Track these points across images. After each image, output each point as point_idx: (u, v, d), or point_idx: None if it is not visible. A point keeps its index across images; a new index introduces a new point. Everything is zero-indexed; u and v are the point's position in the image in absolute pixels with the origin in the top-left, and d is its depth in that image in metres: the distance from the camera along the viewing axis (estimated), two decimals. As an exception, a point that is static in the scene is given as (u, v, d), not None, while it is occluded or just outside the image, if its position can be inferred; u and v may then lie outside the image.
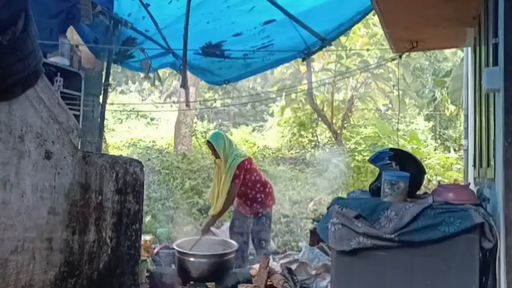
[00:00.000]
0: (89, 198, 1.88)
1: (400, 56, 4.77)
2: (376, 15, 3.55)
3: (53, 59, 4.15)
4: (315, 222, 4.95)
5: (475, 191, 2.68)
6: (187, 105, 4.97)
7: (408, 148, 9.56)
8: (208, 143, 4.42)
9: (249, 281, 3.55)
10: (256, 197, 4.37)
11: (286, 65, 8.78)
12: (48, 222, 1.71)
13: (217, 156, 4.36)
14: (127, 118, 15.16)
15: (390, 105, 11.94)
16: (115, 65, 5.77)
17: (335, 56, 11.17)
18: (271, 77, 12.27)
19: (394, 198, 2.32)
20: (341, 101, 12.23)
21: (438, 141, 13.17)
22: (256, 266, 3.69)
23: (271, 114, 14.38)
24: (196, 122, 13.80)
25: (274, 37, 4.77)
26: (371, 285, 2.27)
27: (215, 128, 14.65)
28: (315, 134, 12.45)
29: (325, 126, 12.07)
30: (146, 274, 3.80)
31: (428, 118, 13.53)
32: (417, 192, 2.63)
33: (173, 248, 3.88)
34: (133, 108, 14.66)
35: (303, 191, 8.91)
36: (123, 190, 2.04)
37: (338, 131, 11.69)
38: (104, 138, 7.96)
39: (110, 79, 4.97)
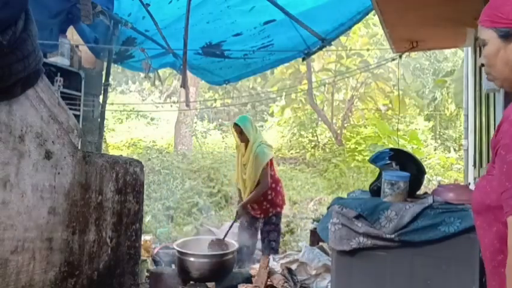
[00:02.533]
0: (89, 198, 1.88)
1: (400, 56, 4.78)
2: (376, 15, 3.56)
3: (53, 59, 4.15)
4: (315, 222, 4.95)
5: (475, 191, 2.67)
6: (187, 105, 4.96)
7: (408, 148, 9.56)
8: (236, 125, 4.33)
9: (249, 281, 3.55)
10: (266, 194, 4.28)
11: (286, 65, 8.79)
12: (48, 222, 1.71)
13: (243, 140, 4.31)
14: (127, 118, 15.16)
15: (390, 105, 11.95)
16: (115, 65, 5.77)
17: (335, 56, 11.18)
18: (271, 77, 12.27)
19: (394, 198, 2.32)
20: (341, 101, 12.24)
21: (439, 141, 13.18)
22: (256, 266, 3.69)
23: (271, 114, 14.38)
24: (196, 122, 13.81)
25: (274, 37, 4.77)
26: (371, 285, 2.27)
27: (215, 128, 14.66)
28: (315, 134, 12.46)
29: (325, 126, 12.09)
30: (146, 274, 3.80)
31: (428, 118, 13.54)
32: (417, 192, 2.63)
33: (173, 248, 3.88)
34: (133, 108, 14.66)
35: (303, 191, 8.92)
36: (123, 190, 2.03)
37: (338, 131, 11.70)
38: (104, 138, 7.96)
39: (110, 79, 4.97)
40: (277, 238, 4.42)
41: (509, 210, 1.06)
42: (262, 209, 4.34)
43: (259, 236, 4.51)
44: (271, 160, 4.34)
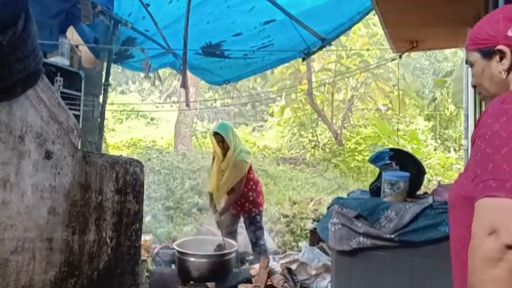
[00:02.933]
0: (89, 198, 1.88)
1: (400, 56, 4.78)
2: (376, 15, 3.55)
3: (53, 59, 4.15)
4: (315, 222, 4.96)
5: (475, 191, 2.67)
6: (187, 105, 4.96)
7: (408, 148, 9.56)
8: (217, 134, 4.28)
9: (249, 281, 3.55)
10: (248, 195, 4.36)
11: (286, 65, 8.79)
12: (48, 222, 1.71)
13: (224, 147, 4.29)
14: (127, 118, 15.15)
15: (390, 105, 11.94)
16: (115, 65, 5.77)
17: (335, 56, 11.17)
18: (271, 77, 12.27)
19: (394, 198, 2.32)
20: (341, 101, 12.24)
21: (439, 141, 13.18)
22: (256, 266, 3.70)
23: (271, 114, 14.38)
24: (196, 122, 13.80)
25: (274, 37, 4.77)
26: (371, 285, 2.27)
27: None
28: (315, 134, 12.46)
29: (325, 126, 12.08)
30: (146, 274, 3.80)
31: (428, 118, 13.53)
32: (417, 192, 2.63)
33: (174, 248, 3.89)
34: (133, 108, 14.65)
35: (303, 191, 8.92)
36: (123, 190, 2.03)
37: (338, 131, 11.70)
38: (104, 138, 7.95)
39: (110, 79, 4.96)
40: (263, 235, 4.52)
41: (478, 195, 1.08)
42: (245, 210, 4.41)
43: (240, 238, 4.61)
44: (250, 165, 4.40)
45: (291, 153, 12.16)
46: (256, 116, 17.20)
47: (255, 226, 4.42)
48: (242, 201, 4.38)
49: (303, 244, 4.37)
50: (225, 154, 4.31)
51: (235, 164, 4.22)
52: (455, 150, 12.16)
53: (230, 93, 13.41)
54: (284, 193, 8.54)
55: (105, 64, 4.92)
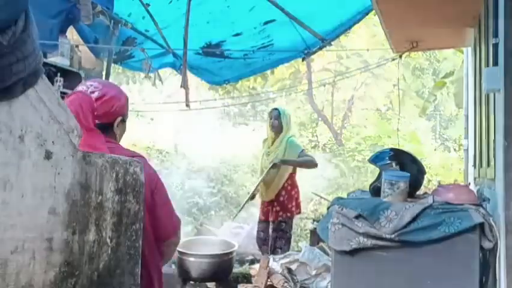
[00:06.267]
0: (89, 198, 1.88)
1: (400, 56, 4.78)
2: (376, 15, 3.56)
3: (53, 59, 4.14)
4: (315, 222, 4.95)
5: (475, 191, 2.68)
6: (187, 105, 4.96)
7: (408, 148, 9.55)
8: (274, 109, 4.33)
9: (249, 281, 3.55)
10: (279, 195, 4.12)
11: (286, 65, 8.78)
12: (48, 222, 1.71)
13: (276, 127, 4.21)
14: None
15: (390, 105, 11.95)
16: (115, 65, 5.77)
17: (335, 56, 11.17)
18: (271, 77, 12.26)
19: (394, 198, 2.32)
20: (341, 101, 12.24)
21: (438, 141, 13.16)
22: (256, 266, 3.70)
23: (272, 114, 14.34)
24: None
25: (274, 37, 4.77)
26: (371, 285, 2.27)
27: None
28: (315, 134, 12.45)
29: (325, 126, 12.08)
30: (146, 274, 3.79)
31: (428, 118, 13.51)
32: (417, 192, 2.63)
33: (173, 248, 3.87)
34: (133, 109, 14.62)
35: (303, 191, 8.89)
36: (123, 190, 2.03)
37: (338, 131, 11.70)
38: (104, 138, 7.93)
39: (110, 79, 4.97)
40: (284, 246, 4.18)
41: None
42: (273, 211, 4.18)
43: None
44: None
45: (291, 153, 12.13)
46: (256, 116, 17.17)
47: (277, 233, 4.12)
48: (273, 198, 4.12)
49: (303, 244, 4.36)
50: (274, 140, 4.25)
51: (288, 144, 4.13)
52: (455, 150, 12.14)
53: (230, 93, 13.41)
54: (284, 193, 8.50)
55: (105, 64, 4.92)
